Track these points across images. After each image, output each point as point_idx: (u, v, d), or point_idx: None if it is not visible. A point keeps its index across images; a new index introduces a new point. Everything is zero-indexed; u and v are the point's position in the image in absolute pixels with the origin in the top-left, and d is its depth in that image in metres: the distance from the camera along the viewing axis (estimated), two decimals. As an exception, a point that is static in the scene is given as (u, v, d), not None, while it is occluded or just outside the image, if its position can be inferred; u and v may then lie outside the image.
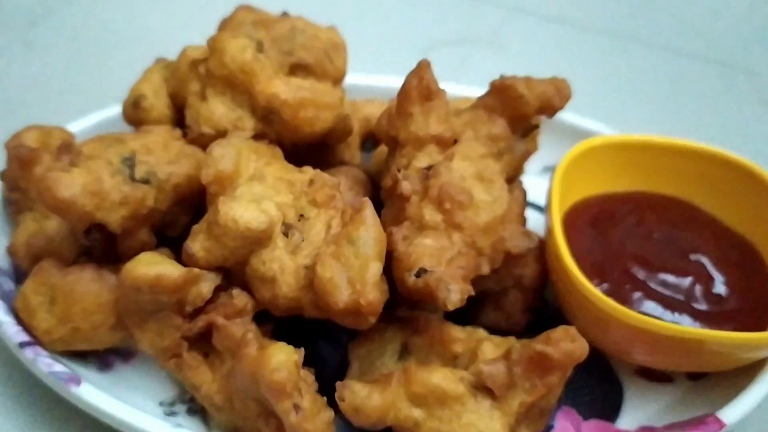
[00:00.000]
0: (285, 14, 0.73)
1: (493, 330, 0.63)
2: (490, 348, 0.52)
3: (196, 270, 0.52)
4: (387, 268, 0.53)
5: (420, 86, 0.57)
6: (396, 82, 0.79)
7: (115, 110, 0.70)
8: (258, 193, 0.53)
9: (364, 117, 0.74)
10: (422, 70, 0.58)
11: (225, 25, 0.71)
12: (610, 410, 0.60)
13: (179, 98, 0.63)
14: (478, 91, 0.74)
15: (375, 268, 0.49)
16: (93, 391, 0.52)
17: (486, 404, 0.48)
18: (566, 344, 0.48)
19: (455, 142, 0.59)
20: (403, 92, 0.58)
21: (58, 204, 0.52)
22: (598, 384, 0.62)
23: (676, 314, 0.59)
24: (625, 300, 0.59)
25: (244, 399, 0.50)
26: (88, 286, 0.55)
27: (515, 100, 0.59)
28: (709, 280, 0.61)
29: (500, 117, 0.60)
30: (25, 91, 0.92)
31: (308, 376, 0.49)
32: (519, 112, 0.60)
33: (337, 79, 0.73)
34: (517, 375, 0.48)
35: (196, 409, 0.57)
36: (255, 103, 0.59)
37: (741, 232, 0.66)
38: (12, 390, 0.60)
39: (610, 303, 0.55)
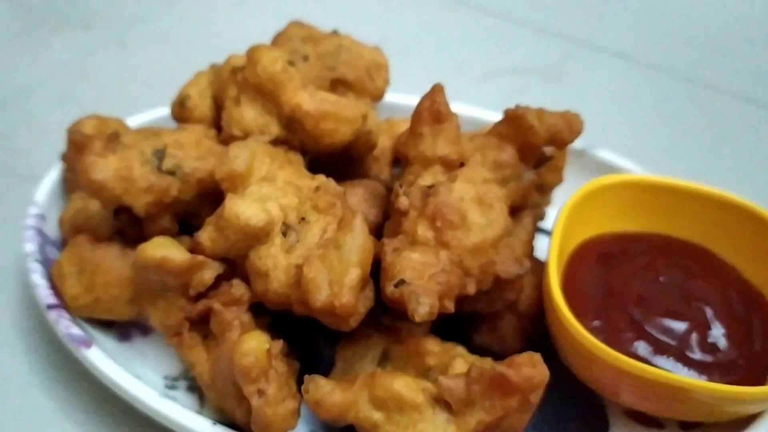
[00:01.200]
0: (335, 32, 0.78)
1: (487, 353, 0.65)
2: (461, 365, 0.53)
3: (200, 257, 0.57)
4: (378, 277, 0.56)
5: (432, 108, 0.60)
6: None
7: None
8: (265, 194, 0.58)
9: (398, 134, 0.77)
10: (435, 93, 0.60)
11: (277, 38, 0.76)
12: (592, 446, 0.60)
13: (220, 101, 0.68)
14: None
15: (354, 274, 0.52)
16: (100, 355, 0.58)
17: (443, 417, 0.50)
18: (527, 369, 0.49)
19: (462, 164, 0.61)
20: (416, 113, 0.61)
21: (91, 184, 0.59)
22: (583, 418, 0.62)
23: (667, 359, 0.58)
24: (615, 339, 0.59)
25: (225, 380, 0.54)
26: (112, 262, 0.61)
27: (526, 129, 0.61)
28: (706, 330, 0.59)
29: (510, 145, 0.61)
30: (115, 86, 1.01)
31: (281, 366, 0.53)
32: (528, 141, 0.61)
33: (376, 97, 0.78)
34: (476, 393, 0.50)
35: (196, 387, 0.62)
36: (281, 112, 0.63)
37: (758, 285, 0.64)
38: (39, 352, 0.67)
39: (594, 342, 0.55)
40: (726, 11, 1.19)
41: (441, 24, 1.14)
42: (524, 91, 1.00)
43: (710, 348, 0.59)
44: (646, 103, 1.02)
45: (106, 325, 0.65)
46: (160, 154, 0.61)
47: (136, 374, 0.60)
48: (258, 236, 0.56)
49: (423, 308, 0.50)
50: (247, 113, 0.64)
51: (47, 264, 0.65)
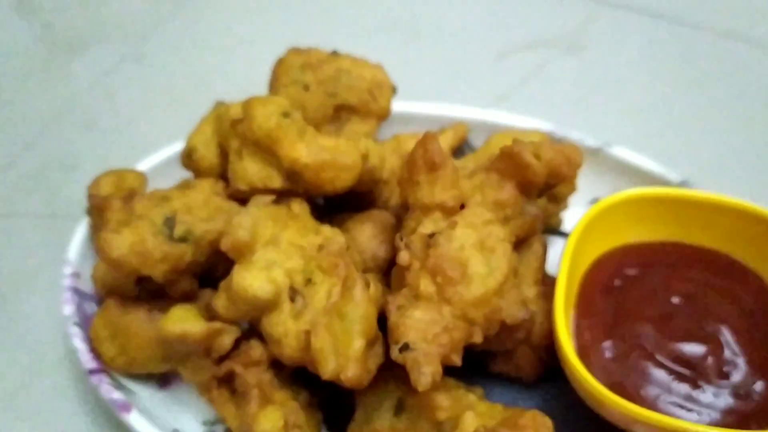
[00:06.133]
0: (335, 53, 0.77)
1: (506, 378, 0.67)
2: (471, 419, 0.55)
3: (217, 325, 0.60)
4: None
5: (425, 157, 0.60)
6: (446, 109, 0.82)
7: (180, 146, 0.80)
8: (270, 259, 0.60)
9: (406, 153, 0.76)
10: (427, 141, 0.60)
11: (276, 69, 0.76)
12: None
13: (225, 149, 0.70)
14: (537, 122, 0.76)
15: (357, 345, 0.54)
16: (139, 419, 0.62)
17: (453, 476, 0.53)
18: (530, 432, 0.51)
19: (462, 206, 0.61)
20: (410, 162, 0.61)
21: (110, 262, 0.62)
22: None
23: (681, 396, 0.58)
24: (626, 376, 0.59)
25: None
26: (141, 325, 0.65)
27: (523, 168, 0.60)
28: (723, 354, 0.59)
29: (509, 182, 0.61)
30: (135, 105, 1.03)
31: (299, 432, 0.56)
32: (527, 179, 0.60)
33: (381, 117, 0.77)
34: (483, 454, 0.52)
35: None
36: (281, 165, 0.64)
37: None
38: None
39: (602, 390, 0.56)
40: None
41: (450, 1, 1.09)
42: (545, 66, 0.96)
43: (727, 374, 0.58)
44: (681, 66, 0.96)
45: (147, 374, 0.70)
46: (171, 222, 0.63)
47: (175, 424, 0.65)
48: (267, 306, 0.58)
49: (425, 378, 0.52)
50: (250, 167, 0.66)
51: (86, 321, 0.70)
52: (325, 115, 0.75)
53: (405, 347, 0.54)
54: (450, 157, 0.61)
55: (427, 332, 0.55)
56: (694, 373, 0.59)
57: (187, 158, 0.71)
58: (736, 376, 0.58)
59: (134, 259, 0.62)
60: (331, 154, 0.64)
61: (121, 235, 0.62)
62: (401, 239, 0.60)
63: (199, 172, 0.71)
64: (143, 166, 0.80)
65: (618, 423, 0.59)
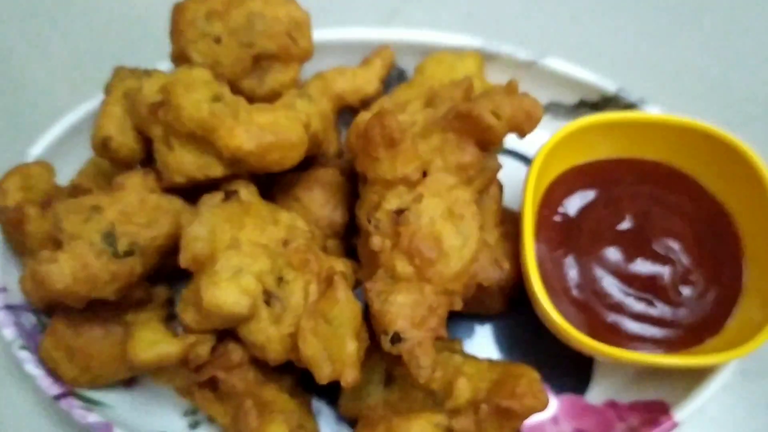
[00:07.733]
0: (239, -10, 0.68)
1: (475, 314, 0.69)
2: (464, 385, 0.57)
3: (191, 338, 0.57)
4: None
5: (383, 134, 0.56)
6: (366, 33, 0.75)
7: (75, 117, 0.72)
8: (236, 266, 0.56)
9: (336, 95, 0.71)
10: (384, 117, 0.56)
11: (177, 19, 0.66)
12: (581, 382, 0.68)
13: (144, 133, 0.62)
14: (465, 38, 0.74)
15: (351, 348, 0.53)
16: (124, 436, 0.61)
17: (459, 449, 0.56)
18: (529, 400, 0.54)
19: (425, 174, 0.58)
20: (367, 139, 0.57)
21: (55, 295, 0.56)
22: (570, 357, 0.68)
23: (643, 319, 0.62)
24: (595, 300, 0.63)
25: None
26: (100, 344, 0.61)
27: (484, 129, 0.57)
28: (677, 272, 0.63)
29: (470, 143, 0.58)
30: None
31: (303, 434, 0.57)
32: (488, 138, 0.58)
33: (304, 59, 0.70)
34: (485, 424, 0.55)
35: (216, 418, 0.66)
36: (220, 153, 0.58)
37: (721, 201, 0.67)
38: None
39: (573, 332, 0.60)
40: None
41: None
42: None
43: (682, 290, 0.63)
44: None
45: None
46: (111, 238, 0.57)
47: (158, 423, 0.64)
48: (244, 318, 0.56)
49: (425, 372, 0.53)
50: (185, 158, 0.59)
51: (28, 338, 0.64)
52: (244, 68, 0.67)
53: (396, 338, 0.54)
54: (408, 130, 0.57)
55: (414, 317, 0.55)
56: (652, 293, 0.63)
57: (102, 148, 0.63)
58: (691, 290, 0.63)
59: (82, 287, 0.56)
60: (274, 135, 0.58)
61: (59, 264, 0.56)
62: (368, 220, 0.58)
63: (118, 162, 0.64)
64: (38, 148, 0.70)
65: (586, 354, 0.64)
